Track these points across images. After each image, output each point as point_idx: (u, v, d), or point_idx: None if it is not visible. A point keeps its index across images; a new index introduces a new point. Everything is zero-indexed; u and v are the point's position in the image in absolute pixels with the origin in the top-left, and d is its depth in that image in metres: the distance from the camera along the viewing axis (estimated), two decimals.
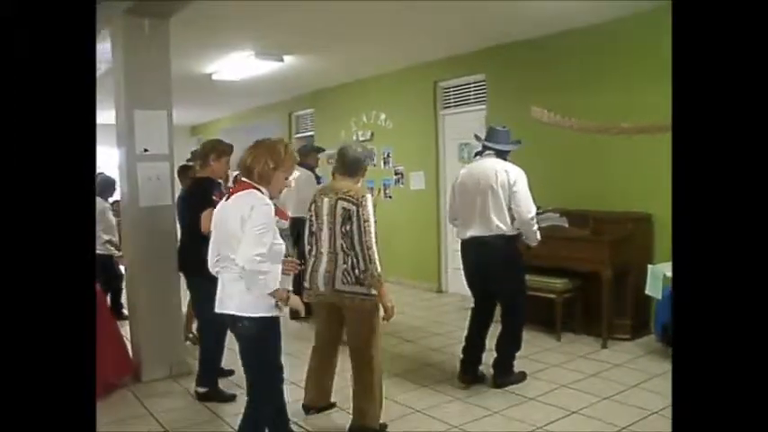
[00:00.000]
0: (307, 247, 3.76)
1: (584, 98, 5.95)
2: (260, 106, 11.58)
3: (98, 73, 6.27)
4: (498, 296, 4.40)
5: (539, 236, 4.31)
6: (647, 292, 5.04)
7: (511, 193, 4.17)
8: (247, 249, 2.74)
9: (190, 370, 4.78)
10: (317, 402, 3.97)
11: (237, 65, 7.38)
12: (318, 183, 6.32)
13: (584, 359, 5.04)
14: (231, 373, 4.53)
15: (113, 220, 6.57)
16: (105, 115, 5.15)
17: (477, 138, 4.63)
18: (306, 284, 3.70)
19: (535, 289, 5.62)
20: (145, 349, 4.77)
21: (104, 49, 5.08)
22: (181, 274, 4.63)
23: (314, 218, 3.69)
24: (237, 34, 6.19)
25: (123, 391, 4.57)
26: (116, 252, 6.51)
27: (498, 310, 4.49)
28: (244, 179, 2.95)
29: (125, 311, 5.92)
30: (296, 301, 3.06)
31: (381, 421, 3.70)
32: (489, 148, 4.40)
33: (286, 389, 4.51)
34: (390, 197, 8.47)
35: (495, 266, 4.28)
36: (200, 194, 4.16)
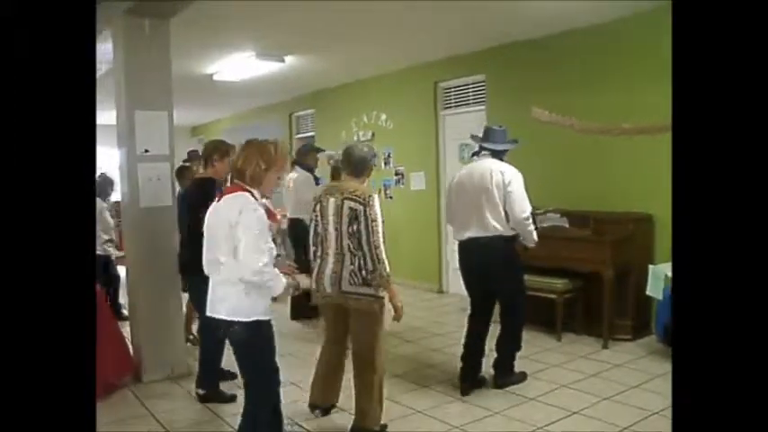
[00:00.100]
0: (312, 248, 3.72)
1: (585, 98, 5.95)
2: (261, 107, 11.59)
3: (99, 73, 6.28)
4: (497, 297, 4.38)
5: (535, 236, 4.28)
6: (647, 292, 5.04)
7: (506, 194, 4.15)
8: (250, 261, 2.72)
9: (190, 371, 4.78)
10: (324, 402, 3.95)
11: (238, 65, 7.38)
12: (317, 184, 6.31)
13: (585, 359, 5.03)
14: (234, 376, 4.49)
15: (110, 219, 6.58)
16: (106, 116, 5.15)
17: (473, 138, 4.60)
18: (312, 286, 3.67)
19: (536, 289, 5.62)
20: (145, 350, 4.77)
21: (105, 49, 5.09)
22: (181, 275, 4.63)
23: (319, 218, 3.66)
24: (238, 35, 6.19)
25: (124, 392, 4.58)
26: (114, 252, 6.51)
27: (497, 311, 4.48)
28: (236, 181, 2.91)
29: (125, 311, 5.93)
30: (303, 279, 3.10)
31: (382, 422, 3.69)
32: (486, 149, 4.39)
33: (285, 389, 4.53)
34: (391, 198, 8.47)
35: (493, 267, 4.26)
36: (202, 195, 4.15)
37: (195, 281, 4.22)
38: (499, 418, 3.95)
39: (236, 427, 3.17)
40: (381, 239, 3.43)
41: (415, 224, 7.98)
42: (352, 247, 3.48)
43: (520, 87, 6.64)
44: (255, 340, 2.90)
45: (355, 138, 8.92)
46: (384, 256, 3.42)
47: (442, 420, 3.93)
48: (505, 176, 4.17)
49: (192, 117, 13.25)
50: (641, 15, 5.40)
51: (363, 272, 3.46)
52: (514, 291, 4.40)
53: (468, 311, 4.49)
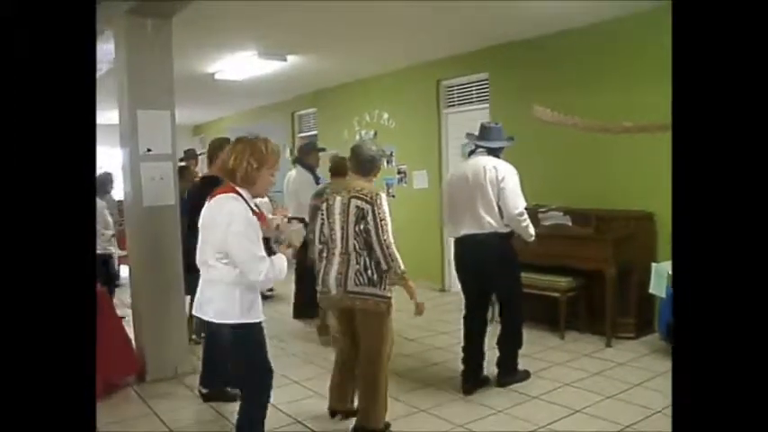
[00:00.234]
0: (318, 247, 3.69)
1: (586, 97, 5.95)
2: (263, 106, 11.60)
3: (101, 73, 6.30)
4: (495, 294, 4.37)
5: (531, 230, 4.24)
6: (650, 290, 5.04)
7: (499, 190, 4.12)
8: (251, 273, 2.70)
9: (194, 370, 4.78)
10: (343, 406, 3.86)
11: (240, 64, 7.38)
12: (318, 183, 6.30)
13: (588, 358, 5.03)
14: None
15: (109, 217, 6.60)
16: (108, 115, 5.15)
17: (468, 136, 4.58)
18: (318, 287, 3.66)
19: (539, 287, 5.62)
20: (149, 349, 4.78)
21: (107, 49, 5.10)
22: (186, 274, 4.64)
23: (325, 217, 3.62)
24: (240, 34, 6.19)
25: (127, 391, 4.59)
26: (114, 250, 6.53)
27: (493, 311, 4.47)
28: (228, 182, 2.85)
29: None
30: (294, 236, 3.03)
31: (385, 420, 3.68)
32: (481, 147, 4.36)
33: (288, 388, 4.55)
34: (393, 196, 8.46)
35: (488, 264, 4.22)
36: (205, 193, 4.15)
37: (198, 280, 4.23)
38: (502, 416, 3.95)
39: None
40: (392, 238, 3.41)
41: (418, 223, 7.98)
42: (357, 246, 3.45)
43: (522, 86, 6.64)
44: (244, 343, 2.85)
45: (357, 137, 8.92)
46: (397, 253, 3.40)
47: (445, 419, 3.93)
48: (499, 172, 4.14)
49: (195, 116, 13.26)
50: (642, 15, 5.39)
51: (369, 272, 3.43)
52: (511, 288, 4.38)
53: (463, 312, 4.46)
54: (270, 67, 7.50)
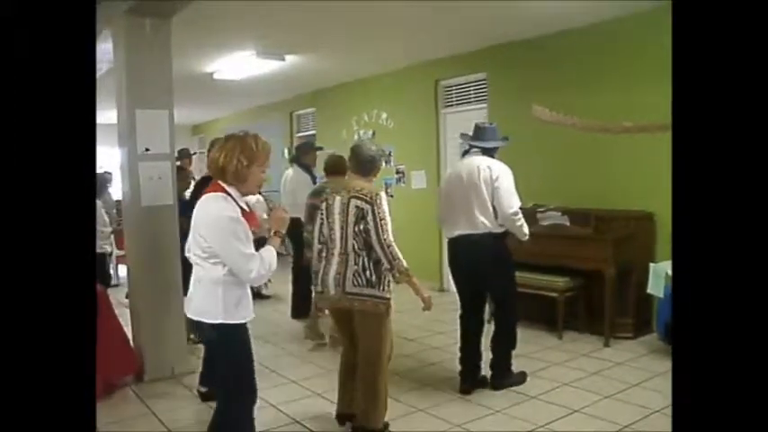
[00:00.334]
0: (317, 247, 3.67)
1: (585, 97, 5.95)
2: (261, 105, 11.59)
3: (100, 73, 6.29)
4: (489, 295, 4.35)
5: (526, 230, 4.22)
6: (648, 290, 5.04)
7: (493, 189, 4.10)
8: (243, 273, 2.66)
9: (192, 369, 4.78)
10: (348, 409, 3.77)
11: (239, 64, 7.38)
12: (314, 182, 6.30)
13: (587, 358, 5.03)
14: None
15: (106, 217, 6.61)
16: (107, 115, 5.15)
17: (462, 136, 4.55)
18: (317, 287, 3.64)
19: (537, 287, 5.63)
20: (147, 349, 4.78)
21: (106, 49, 5.09)
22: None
23: (325, 217, 3.60)
24: (239, 33, 6.19)
25: (125, 391, 4.59)
26: (108, 249, 6.54)
27: (490, 310, 4.45)
28: (218, 181, 2.77)
29: None
30: (277, 217, 2.94)
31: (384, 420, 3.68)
32: (476, 147, 4.34)
33: (285, 388, 4.55)
34: (392, 196, 8.46)
35: (483, 265, 4.21)
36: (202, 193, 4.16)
37: None
38: (500, 416, 3.95)
39: None
40: (392, 237, 3.39)
41: (416, 223, 7.98)
42: (356, 247, 3.43)
43: (521, 86, 6.64)
44: (226, 343, 2.78)
45: (356, 136, 8.92)
46: (398, 252, 3.38)
47: (443, 419, 3.93)
48: (493, 172, 4.12)
49: (193, 116, 13.25)
50: (641, 15, 5.40)
51: (368, 272, 3.41)
52: (505, 288, 4.35)
53: (459, 312, 4.45)
54: (268, 66, 7.51)
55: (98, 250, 6.33)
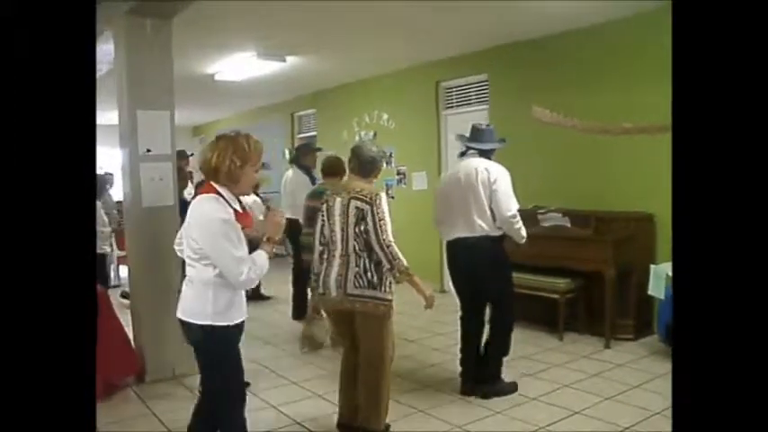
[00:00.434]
0: (319, 249, 3.65)
1: (586, 98, 5.95)
2: (262, 106, 11.60)
3: (101, 73, 6.30)
4: (486, 299, 4.28)
5: (523, 232, 4.16)
6: (649, 292, 5.04)
7: (491, 192, 4.06)
8: (232, 277, 2.62)
9: (193, 370, 4.77)
10: (348, 413, 3.71)
11: (240, 65, 7.39)
12: (314, 184, 6.31)
13: (587, 359, 5.03)
14: (247, 384, 4.38)
15: (105, 217, 6.62)
16: (108, 116, 5.15)
17: (459, 138, 4.51)
18: (319, 290, 3.62)
19: (538, 289, 5.63)
20: (148, 350, 4.78)
21: (107, 49, 5.10)
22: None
23: (326, 219, 3.58)
24: (240, 35, 6.20)
25: (126, 392, 4.59)
26: (107, 249, 6.55)
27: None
28: (211, 182, 2.74)
29: None
30: (272, 222, 2.86)
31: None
32: (472, 148, 4.29)
33: (286, 390, 4.55)
34: (393, 197, 8.46)
35: (480, 268, 4.17)
36: None
37: None
38: (501, 417, 3.95)
39: None
40: (391, 237, 3.37)
41: (417, 224, 7.96)
42: (357, 248, 3.41)
43: (522, 87, 6.64)
44: (212, 345, 2.74)
45: (357, 138, 8.92)
46: (398, 251, 3.36)
47: (443, 420, 3.93)
48: (491, 174, 4.07)
49: (194, 117, 13.26)
50: (641, 16, 5.40)
51: (369, 274, 3.40)
52: (502, 292, 4.28)
53: (459, 314, 4.43)
54: (269, 67, 7.51)
55: (97, 251, 6.34)
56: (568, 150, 6.19)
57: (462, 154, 4.41)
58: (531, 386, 4.45)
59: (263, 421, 3.93)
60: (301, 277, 5.92)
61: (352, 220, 3.43)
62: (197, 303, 2.71)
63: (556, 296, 5.53)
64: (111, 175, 9.11)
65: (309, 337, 5.54)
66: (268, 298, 7.70)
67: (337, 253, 3.50)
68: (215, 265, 2.65)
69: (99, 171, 9.01)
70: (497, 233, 4.14)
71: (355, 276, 3.42)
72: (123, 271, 8.11)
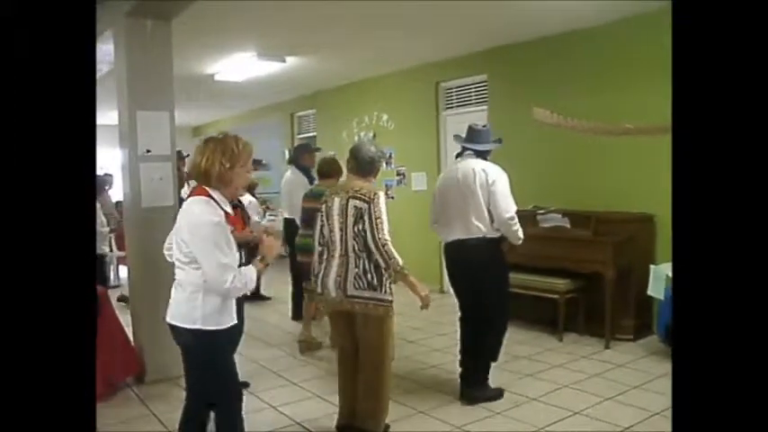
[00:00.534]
0: (318, 249, 3.65)
1: (586, 99, 5.95)
2: (262, 107, 11.60)
3: (101, 74, 6.30)
4: (485, 300, 4.19)
5: (521, 234, 4.10)
6: (649, 292, 5.04)
7: (489, 193, 4.01)
8: (215, 282, 2.56)
9: None
10: (352, 420, 3.65)
11: (240, 65, 7.38)
12: (312, 184, 6.31)
13: (587, 360, 5.03)
14: (246, 385, 4.39)
15: (103, 217, 6.63)
16: (108, 116, 5.14)
17: (456, 138, 4.47)
18: (317, 290, 3.62)
19: (537, 289, 5.63)
20: (148, 350, 4.77)
21: (107, 50, 5.09)
22: None
23: (325, 219, 3.57)
24: (239, 35, 6.20)
25: (126, 392, 4.58)
26: (106, 250, 6.55)
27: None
28: (202, 185, 2.70)
29: None
30: (268, 251, 2.82)
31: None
32: (469, 149, 4.25)
33: (285, 390, 4.55)
34: (392, 198, 8.46)
35: (479, 271, 4.12)
36: None
37: None
38: (500, 418, 3.95)
39: None
40: (388, 236, 3.35)
41: (417, 225, 7.97)
42: (357, 248, 3.40)
43: (522, 87, 6.65)
44: (201, 350, 2.71)
45: (356, 138, 8.92)
46: (393, 250, 3.34)
47: (443, 421, 3.92)
48: (489, 176, 4.03)
49: (194, 117, 13.26)
50: (642, 16, 5.39)
51: (369, 275, 3.38)
52: (497, 295, 4.21)
53: (459, 315, 4.38)
54: (269, 68, 7.51)
55: (99, 252, 6.35)
56: (568, 151, 6.19)
57: (459, 155, 4.37)
58: (531, 387, 4.45)
59: (262, 422, 3.93)
60: (298, 278, 5.91)
61: (350, 219, 3.42)
62: (186, 307, 2.67)
63: (556, 297, 5.53)
64: (110, 175, 9.11)
65: (306, 341, 5.56)
66: (268, 298, 7.70)
67: (336, 253, 3.50)
68: (201, 269, 2.61)
69: (98, 171, 9.03)
70: (495, 235, 4.10)
71: (355, 277, 3.41)
72: (123, 271, 8.11)
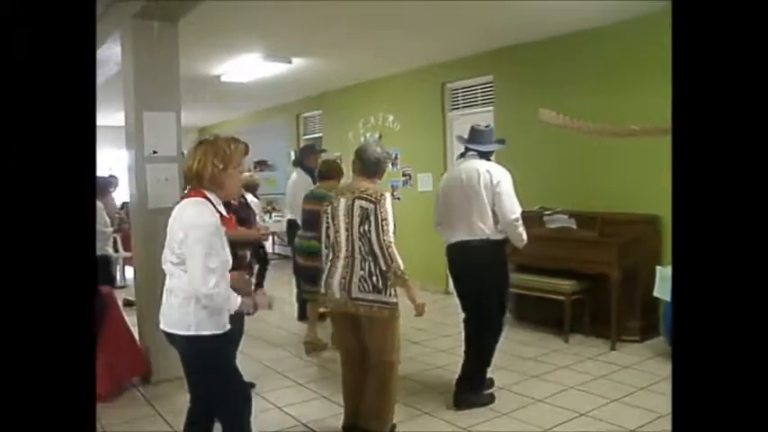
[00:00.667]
0: (324, 251, 3.64)
1: (593, 100, 5.93)
2: (268, 108, 11.62)
3: (108, 75, 6.33)
4: (487, 301, 4.13)
5: (524, 237, 4.05)
6: (655, 293, 5.02)
7: (494, 194, 3.96)
8: (198, 284, 2.49)
9: None
10: (358, 421, 3.63)
11: (246, 66, 7.40)
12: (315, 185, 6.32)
13: (593, 361, 5.01)
14: (252, 386, 4.39)
15: (107, 218, 6.66)
16: (115, 117, 5.15)
17: (458, 139, 4.45)
18: (321, 291, 3.61)
19: (543, 290, 5.62)
20: (154, 351, 4.78)
21: (114, 51, 5.12)
22: None
23: (330, 220, 3.56)
24: (245, 36, 6.21)
25: (132, 392, 4.60)
26: (110, 251, 6.58)
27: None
28: (195, 188, 2.67)
29: None
30: (262, 298, 2.84)
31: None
32: (472, 150, 4.21)
33: (290, 391, 4.55)
34: (398, 198, 8.46)
35: (481, 271, 4.06)
36: None
37: None
38: (506, 419, 3.94)
39: None
40: (392, 238, 3.33)
41: (423, 225, 7.96)
42: (362, 249, 3.39)
43: (527, 88, 6.63)
44: (200, 356, 2.67)
45: (362, 139, 8.92)
46: (397, 254, 3.32)
47: (449, 422, 3.92)
48: (493, 177, 3.97)
49: (200, 118, 13.30)
50: (648, 17, 5.36)
51: (374, 278, 3.37)
52: (496, 298, 4.15)
53: (463, 316, 4.31)
54: (275, 69, 7.52)
55: (100, 252, 6.37)
56: (574, 152, 6.17)
57: (462, 155, 4.34)
58: (537, 388, 4.43)
59: (268, 422, 3.93)
60: (299, 279, 5.91)
61: (356, 220, 3.41)
62: (178, 314, 2.62)
63: (562, 298, 5.52)
64: (114, 177, 9.16)
65: (311, 343, 5.56)
66: None
67: (341, 254, 3.48)
68: (185, 266, 2.56)
69: (104, 173, 9.08)
70: (498, 237, 4.04)
71: (360, 280, 3.39)
72: (129, 272, 8.14)
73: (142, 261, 4.88)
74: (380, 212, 3.35)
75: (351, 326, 3.58)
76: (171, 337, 2.71)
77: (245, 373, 2.96)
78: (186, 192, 2.74)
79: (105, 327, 4.45)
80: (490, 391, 4.31)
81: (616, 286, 5.21)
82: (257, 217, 4.95)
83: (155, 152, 4.76)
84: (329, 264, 3.57)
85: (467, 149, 4.27)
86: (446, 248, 4.25)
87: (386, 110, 8.73)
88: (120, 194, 9.46)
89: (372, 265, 3.38)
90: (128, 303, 6.67)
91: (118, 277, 8.65)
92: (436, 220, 4.35)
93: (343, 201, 3.51)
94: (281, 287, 7.50)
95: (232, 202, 3.98)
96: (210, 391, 2.78)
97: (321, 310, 5.40)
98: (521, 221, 4.02)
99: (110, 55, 5.52)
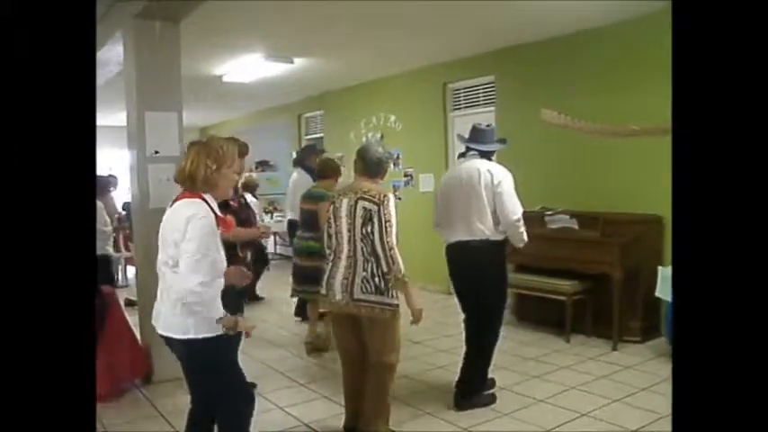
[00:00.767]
0: (327, 252, 3.62)
1: (594, 100, 5.93)
2: (270, 108, 11.62)
3: (110, 75, 6.34)
4: (486, 301, 4.12)
5: (525, 236, 4.03)
6: (657, 294, 5.01)
7: (495, 195, 3.93)
8: (184, 280, 2.46)
9: None
10: (354, 414, 3.66)
11: (248, 66, 7.40)
12: None
13: (594, 361, 5.00)
14: (253, 386, 4.38)
15: (107, 218, 6.66)
16: (117, 117, 5.16)
17: (459, 138, 4.41)
18: (322, 291, 3.59)
19: (545, 290, 5.62)
20: (155, 350, 4.78)
21: (117, 51, 5.12)
22: None
23: (332, 220, 3.54)
24: (247, 36, 6.21)
25: (134, 393, 4.60)
26: (110, 251, 6.58)
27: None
28: (188, 190, 2.65)
29: None
30: (244, 325, 2.71)
31: (390, 425, 3.63)
32: (473, 149, 4.18)
33: (291, 391, 4.55)
34: (400, 199, 8.45)
35: (480, 272, 4.04)
36: None
37: None
38: (507, 419, 3.93)
39: None
40: (395, 240, 3.31)
41: (425, 226, 7.95)
42: (365, 250, 3.37)
43: (529, 88, 6.63)
44: (198, 359, 2.66)
45: (364, 139, 8.92)
46: (399, 257, 3.30)
47: (450, 422, 3.91)
48: (494, 177, 3.94)
49: (202, 118, 13.30)
50: (650, 17, 5.36)
51: (376, 279, 3.35)
52: (492, 303, 4.13)
53: (464, 316, 4.29)
54: (277, 69, 7.52)
55: (101, 251, 6.38)
56: (576, 152, 6.17)
57: (462, 155, 4.31)
58: (539, 388, 4.43)
59: (270, 423, 3.93)
60: (296, 279, 5.90)
61: (359, 221, 3.39)
62: (174, 315, 2.58)
63: (563, 298, 5.51)
64: (114, 177, 9.16)
65: (312, 343, 5.56)
66: (261, 299, 7.74)
67: (343, 255, 3.46)
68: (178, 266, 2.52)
69: (105, 172, 9.08)
70: (498, 237, 4.01)
71: (363, 281, 3.37)
72: (131, 271, 8.15)
73: (143, 261, 4.88)
74: (384, 214, 3.33)
75: (351, 326, 3.57)
76: (170, 342, 2.68)
77: (247, 374, 2.95)
78: (181, 193, 2.71)
79: (107, 326, 4.45)
80: (491, 391, 4.31)
81: (618, 286, 5.20)
82: (257, 217, 4.96)
83: (156, 152, 4.76)
84: (330, 264, 3.55)
85: (468, 149, 4.24)
86: (445, 248, 4.23)
87: (387, 110, 8.73)
88: (121, 194, 9.49)
89: (374, 266, 3.36)
90: (129, 303, 6.68)
91: (120, 277, 8.66)
92: (435, 220, 4.32)
93: (345, 201, 3.48)
94: (282, 287, 7.48)
95: (232, 203, 3.99)
96: (211, 392, 2.77)
97: (321, 310, 5.39)
98: (522, 222, 3.99)
99: (111, 56, 5.53)
